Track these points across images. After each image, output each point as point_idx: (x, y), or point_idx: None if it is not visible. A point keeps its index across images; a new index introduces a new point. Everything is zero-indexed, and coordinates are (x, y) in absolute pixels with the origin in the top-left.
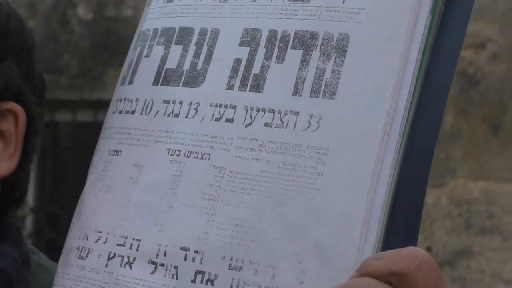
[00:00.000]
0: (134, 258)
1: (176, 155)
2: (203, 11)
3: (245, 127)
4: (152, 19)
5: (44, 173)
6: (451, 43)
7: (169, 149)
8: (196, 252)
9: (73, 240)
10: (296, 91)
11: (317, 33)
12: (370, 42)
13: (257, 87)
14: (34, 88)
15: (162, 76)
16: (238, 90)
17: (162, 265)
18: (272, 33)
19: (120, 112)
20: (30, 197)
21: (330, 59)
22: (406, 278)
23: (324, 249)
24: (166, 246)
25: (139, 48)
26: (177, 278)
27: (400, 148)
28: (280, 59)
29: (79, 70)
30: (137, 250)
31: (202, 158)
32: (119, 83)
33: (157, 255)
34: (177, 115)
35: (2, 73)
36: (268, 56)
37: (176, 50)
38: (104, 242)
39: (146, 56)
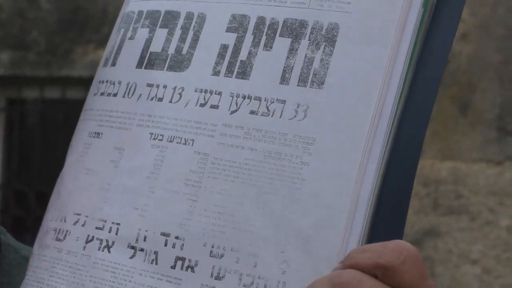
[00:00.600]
0: (113, 242)
1: (159, 140)
2: None
3: (230, 114)
4: (137, 1)
5: (11, 150)
6: (443, 36)
7: (151, 133)
8: (177, 238)
9: (50, 222)
10: (284, 80)
11: (306, 22)
12: (360, 32)
13: (244, 74)
14: None
15: (146, 59)
16: (224, 76)
17: (142, 250)
18: (260, 20)
19: (102, 94)
20: None
21: (319, 49)
22: (392, 272)
23: (308, 239)
24: (146, 231)
25: (122, 30)
26: (156, 264)
27: (388, 140)
28: (268, 46)
29: (47, 46)
30: (116, 234)
31: (186, 144)
32: (101, 64)
33: (137, 240)
34: (160, 99)
35: None
36: (255, 43)
37: (161, 34)
38: (83, 225)
39: (130, 38)
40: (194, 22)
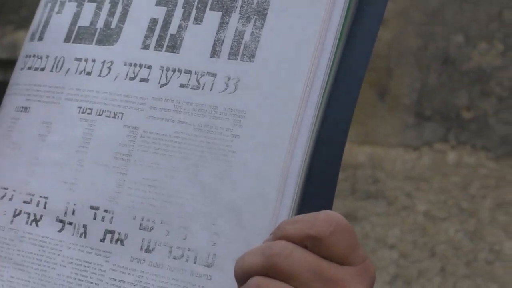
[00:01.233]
0: (41, 216)
1: (88, 113)
2: None
3: (160, 87)
4: None
5: None
6: (374, 10)
7: (80, 107)
8: (106, 211)
9: None
10: (214, 53)
11: None
12: (291, 5)
13: (174, 47)
14: None
15: (74, 34)
16: (154, 50)
17: (70, 223)
18: None
19: (29, 68)
20: None
21: (250, 22)
22: (322, 242)
23: (239, 211)
24: (75, 204)
25: (49, 5)
26: (85, 237)
27: (318, 112)
28: (198, 20)
29: None
30: (44, 207)
31: (115, 117)
32: (27, 39)
33: (65, 214)
34: (89, 73)
35: None
36: (185, 17)
37: (89, 8)
38: (10, 199)
39: (57, 13)
40: None
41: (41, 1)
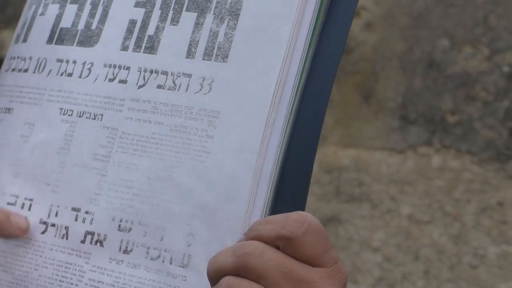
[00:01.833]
0: (25, 218)
1: (69, 115)
2: None
3: (138, 88)
4: None
5: None
6: (345, 10)
7: (61, 109)
8: (86, 212)
9: None
10: (190, 54)
11: None
12: (264, 6)
13: (151, 48)
14: None
15: (56, 35)
16: (133, 51)
17: (53, 225)
18: None
19: (13, 70)
20: None
21: (224, 22)
22: (294, 243)
23: (213, 212)
24: (58, 206)
25: (34, 7)
26: (67, 239)
27: (290, 113)
28: (175, 21)
29: None
30: (29, 209)
31: (95, 119)
32: (13, 41)
33: (49, 215)
34: (70, 75)
35: None
36: (163, 18)
37: (71, 9)
38: None
39: (41, 14)
40: None
41: (26, 3)
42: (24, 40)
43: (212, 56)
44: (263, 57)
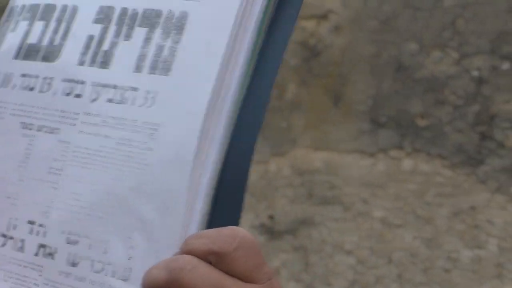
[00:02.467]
0: None
1: (29, 129)
2: None
3: (91, 102)
4: None
5: None
6: (285, 25)
7: (23, 123)
8: (40, 225)
9: None
10: (138, 68)
11: (161, 11)
12: (206, 20)
13: (105, 63)
14: None
15: (23, 51)
16: (89, 66)
17: (11, 238)
18: (123, 11)
19: None
20: None
21: (169, 37)
22: (225, 258)
23: (151, 225)
24: (16, 219)
25: (6, 23)
26: (23, 252)
27: (227, 126)
28: (128, 36)
29: None
30: None
31: (52, 133)
32: None
33: (8, 229)
34: (32, 89)
35: None
36: (117, 34)
37: (38, 26)
38: None
39: (12, 31)
40: (67, 14)
41: (1, 20)
42: None
43: (157, 69)
44: (200, 69)
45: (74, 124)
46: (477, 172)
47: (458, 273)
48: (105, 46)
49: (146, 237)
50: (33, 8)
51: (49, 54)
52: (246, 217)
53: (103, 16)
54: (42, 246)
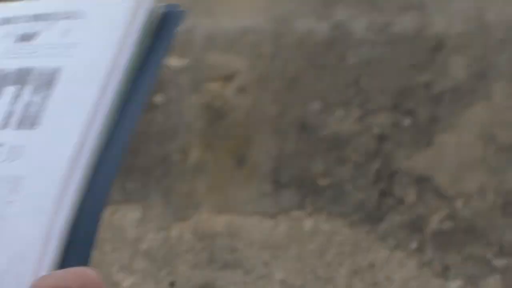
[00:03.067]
0: None
1: None
2: None
3: None
4: None
5: None
6: (147, 81)
7: None
8: None
9: None
10: (5, 125)
11: (32, 69)
12: (76, 75)
13: None
14: None
15: None
16: None
17: None
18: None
19: None
20: None
21: (39, 93)
22: None
23: (3, 274)
24: None
25: None
26: None
27: (84, 180)
28: None
29: None
30: None
31: None
32: None
33: None
34: None
35: None
36: None
37: None
38: None
39: None
40: None
41: None
42: None
43: (24, 124)
44: (66, 123)
45: None
46: (377, 229)
47: None
48: None
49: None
50: None
51: None
52: (146, 285)
53: None
54: None
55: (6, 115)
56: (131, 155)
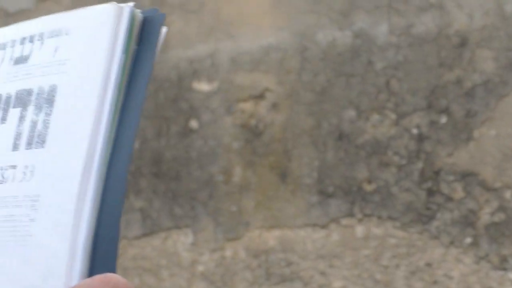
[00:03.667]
0: None
1: None
2: None
3: None
4: None
5: None
6: (139, 85)
7: None
8: None
9: None
10: (15, 146)
11: (32, 89)
12: (73, 89)
13: None
14: None
15: None
16: None
17: None
18: None
19: None
20: None
21: (42, 111)
22: None
23: None
24: None
25: None
26: None
27: (99, 184)
28: (4, 119)
29: None
30: None
31: None
32: None
33: None
34: None
35: None
36: None
37: None
38: None
39: None
40: None
41: None
42: None
43: (32, 144)
44: (72, 137)
45: None
46: (429, 229)
47: None
48: None
49: None
50: None
51: None
52: None
53: None
54: None
55: (15, 137)
56: (175, 181)
